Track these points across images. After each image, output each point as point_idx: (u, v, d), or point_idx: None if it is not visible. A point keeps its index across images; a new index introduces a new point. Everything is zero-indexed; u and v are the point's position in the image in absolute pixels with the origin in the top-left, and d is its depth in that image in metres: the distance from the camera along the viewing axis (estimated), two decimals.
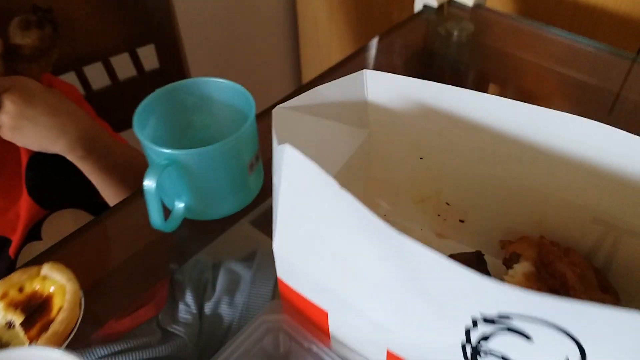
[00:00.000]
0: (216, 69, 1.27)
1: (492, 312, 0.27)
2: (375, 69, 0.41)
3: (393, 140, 0.46)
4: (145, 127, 0.50)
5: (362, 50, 0.78)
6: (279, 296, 0.43)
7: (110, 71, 0.83)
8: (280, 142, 0.34)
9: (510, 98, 0.38)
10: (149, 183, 0.45)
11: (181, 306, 0.65)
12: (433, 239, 0.50)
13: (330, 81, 0.40)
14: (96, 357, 0.45)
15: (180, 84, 0.53)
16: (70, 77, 0.78)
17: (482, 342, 0.28)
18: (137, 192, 0.54)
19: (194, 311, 0.65)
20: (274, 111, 0.38)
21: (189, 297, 0.65)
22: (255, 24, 1.32)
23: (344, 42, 1.36)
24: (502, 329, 0.27)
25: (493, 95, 0.38)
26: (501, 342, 0.28)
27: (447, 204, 0.47)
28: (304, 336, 0.40)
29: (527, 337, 0.26)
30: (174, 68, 0.84)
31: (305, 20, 1.42)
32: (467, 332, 0.29)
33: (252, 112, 0.49)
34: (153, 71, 0.84)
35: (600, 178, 0.37)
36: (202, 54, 1.17)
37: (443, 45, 0.80)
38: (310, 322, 0.40)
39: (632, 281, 0.41)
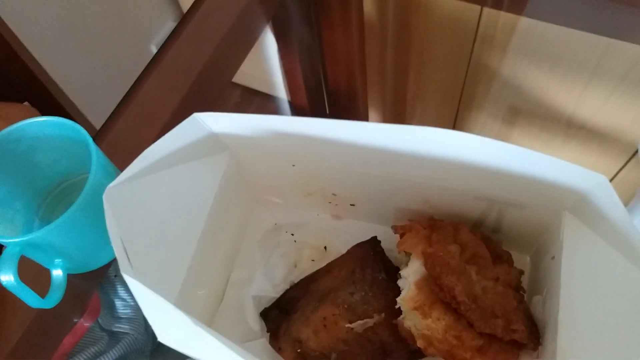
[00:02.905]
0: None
1: None
2: None
3: (258, 156, 0.41)
4: None
5: None
6: None
7: None
8: (116, 237, 0.32)
9: None
10: (7, 278, 0.40)
11: (117, 302, 0.64)
12: (330, 221, 0.49)
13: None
14: None
15: (0, 135, 0.45)
16: None
17: None
18: None
19: (132, 302, 0.64)
20: (105, 196, 0.33)
21: (121, 291, 0.64)
22: None
23: None
24: None
25: (340, 121, 0.33)
26: None
27: (334, 194, 0.45)
28: None
29: None
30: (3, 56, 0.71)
31: None
32: None
33: (93, 148, 0.42)
34: None
35: (471, 171, 0.35)
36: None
37: None
38: None
39: (520, 240, 0.42)
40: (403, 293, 0.37)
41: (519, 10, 0.61)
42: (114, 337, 0.64)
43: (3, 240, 0.40)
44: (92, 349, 0.52)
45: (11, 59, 0.72)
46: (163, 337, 0.35)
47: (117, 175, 0.45)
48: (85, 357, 0.50)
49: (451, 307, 0.35)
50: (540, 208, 0.37)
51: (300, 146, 0.38)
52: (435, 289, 0.35)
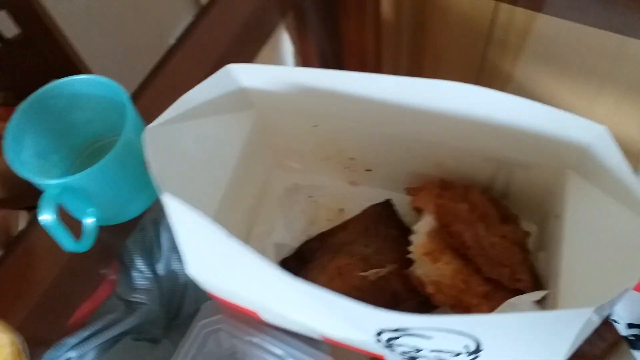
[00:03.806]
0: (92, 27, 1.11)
1: (391, 327, 0.29)
2: None
3: (282, 115, 0.44)
4: (21, 152, 0.46)
5: None
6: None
7: None
8: (156, 168, 0.34)
9: None
10: (45, 217, 0.43)
11: (135, 274, 0.66)
12: (346, 187, 0.51)
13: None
14: (68, 347, 0.46)
15: (43, 91, 0.48)
16: None
17: (391, 342, 0.31)
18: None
19: (149, 275, 0.67)
20: (145, 133, 0.36)
21: (139, 263, 0.67)
22: None
23: None
24: (405, 334, 0.30)
25: (361, 73, 0.36)
26: (406, 341, 0.30)
27: (352, 158, 0.48)
28: (244, 330, 0.42)
29: (427, 337, 0.29)
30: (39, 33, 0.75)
31: None
32: (377, 336, 0.31)
33: (129, 107, 0.46)
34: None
35: (482, 127, 0.38)
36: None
37: None
38: (245, 318, 0.42)
39: (527, 206, 0.45)
40: (415, 242, 0.40)
41: (534, 6, 0.63)
42: (130, 307, 0.66)
43: (44, 182, 0.43)
44: (109, 317, 0.55)
45: (47, 36, 0.76)
46: (193, 267, 0.38)
47: None
48: (102, 323, 0.52)
49: (460, 253, 0.37)
50: (545, 168, 0.40)
51: (324, 103, 0.40)
52: (446, 237, 0.38)
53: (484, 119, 0.37)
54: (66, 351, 0.46)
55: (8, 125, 0.46)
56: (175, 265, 0.68)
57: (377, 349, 0.34)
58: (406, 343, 0.31)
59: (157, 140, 0.36)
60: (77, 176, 0.43)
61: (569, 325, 0.28)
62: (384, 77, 0.36)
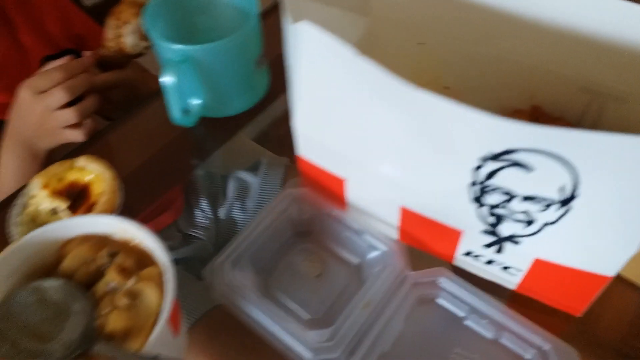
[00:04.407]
0: None
1: (498, 149, 0.31)
2: None
3: (394, 26, 0.48)
4: (155, 29, 0.52)
5: None
6: (298, 175, 0.47)
7: None
8: (293, 11, 0.37)
9: None
10: (168, 78, 0.48)
11: (197, 212, 0.70)
12: None
13: None
14: None
15: None
16: None
17: (487, 181, 0.33)
18: (156, 94, 0.57)
19: (210, 215, 0.70)
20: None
21: (203, 204, 0.70)
22: None
23: None
24: (506, 165, 0.32)
25: None
26: (504, 177, 0.32)
27: (446, 87, 0.51)
28: (324, 204, 0.44)
29: (528, 168, 0.31)
30: None
31: None
32: (474, 173, 0.33)
33: (255, 9, 0.51)
34: None
35: (586, 45, 0.41)
36: None
37: None
38: (329, 192, 0.44)
39: None
40: None
41: None
42: (187, 239, 0.70)
43: (172, 46, 0.48)
44: (167, 243, 0.58)
45: None
46: (301, 120, 0.41)
47: (261, 52, 0.54)
48: None
49: None
50: None
51: (434, 14, 0.44)
52: None
53: (591, 34, 0.40)
54: None
55: (147, 7, 0.52)
56: (235, 213, 0.72)
57: (463, 213, 0.36)
58: (502, 184, 0.33)
59: (293, 4, 0.41)
60: (201, 47, 0.48)
61: None
62: None
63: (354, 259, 0.44)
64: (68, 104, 0.53)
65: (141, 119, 0.57)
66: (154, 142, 0.55)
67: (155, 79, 0.52)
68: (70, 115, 0.54)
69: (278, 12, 0.66)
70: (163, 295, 0.35)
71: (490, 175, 0.33)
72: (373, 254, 0.43)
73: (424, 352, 0.40)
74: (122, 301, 0.35)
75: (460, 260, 0.42)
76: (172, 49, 0.49)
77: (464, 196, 0.35)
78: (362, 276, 0.43)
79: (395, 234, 0.43)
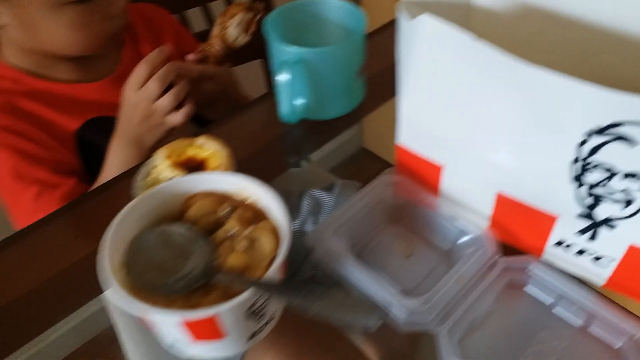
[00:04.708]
0: None
1: (605, 122, 0.34)
2: None
3: (493, 41, 0.53)
4: (274, 33, 0.59)
5: None
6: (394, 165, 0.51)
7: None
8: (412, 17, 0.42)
9: None
10: (283, 77, 0.54)
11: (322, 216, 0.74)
12: None
13: None
14: None
15: (299, 3, 0.61)
16: None
17: (590, 157, 0.36)
18: (266, 94, 0.63)
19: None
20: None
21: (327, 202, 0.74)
22: None
23: None
24: (611, 139, 0.34)
25: None
26: (608, 153, 0.35)
27: None
28: (417, 191, 0.47)
29: (632, 142, 0.33)
30: None
31: None
32: (578, 150, 0.36)
33: (362, 26, 0.57)
34: None
35: None
36: None
37: None
38: (424, 181, 0.48)
39: None
40: None
41: None
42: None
43: (289, 47, 0.55)
44: None
45: None
46: (409, 106, 0.45)
47: (363, 63, 0.59)
48: None
49: None
50: None
51: (539, 29, 0.48)
52: None
53: None
54: None
55: (269, 16, 0.59)
56: (308, 228, 0.75)
57: (561, 194, 0.38)
58: (605, 159, 0.35)
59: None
60: (314, 49, 0.54)
61: None
62: None
63: (444, 244, 0.47)
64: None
65: (244, 119, 0.63)
66: (253, 141, 0.61)
67: (241, 89, 0.57)
68: (167, 100, 0.62)
69: (376, 36, 0.73)
70: (279, 243, 0.39)
71: (594, 150, 0.35)
72: (464, 239, 0.45)
73: (510, 332, 0.41)
74: (242, 244, 0.39)
75: (549, 253, 0.44)
76: (287, 51, 0.55)
77: (565, 175, 0.37)
78: (452, 259, 0.46)
79: (485, 225, 0.46)
